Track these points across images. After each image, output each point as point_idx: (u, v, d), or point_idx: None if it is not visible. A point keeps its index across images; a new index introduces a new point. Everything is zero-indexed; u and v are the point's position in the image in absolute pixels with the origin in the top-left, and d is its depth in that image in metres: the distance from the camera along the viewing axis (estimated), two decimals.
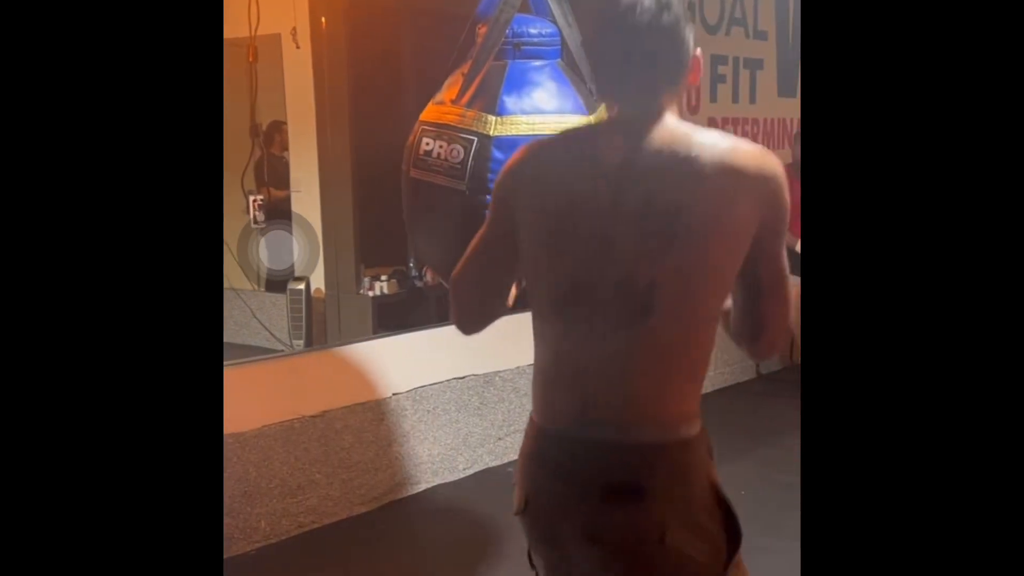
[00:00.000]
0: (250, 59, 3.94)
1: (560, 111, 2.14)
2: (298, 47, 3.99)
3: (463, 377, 3.79)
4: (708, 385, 5.03)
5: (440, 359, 3.73)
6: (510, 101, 2.13)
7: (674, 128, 1.36)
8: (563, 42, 2.23)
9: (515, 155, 1.47)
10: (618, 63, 1.38)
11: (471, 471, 3.85)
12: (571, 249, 1.37)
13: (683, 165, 1.32)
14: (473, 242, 1.50)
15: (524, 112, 2.13)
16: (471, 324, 1.54)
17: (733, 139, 1.35)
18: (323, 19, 3.96)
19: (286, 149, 4.55)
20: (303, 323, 4.12)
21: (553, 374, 1.40)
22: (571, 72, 2.22)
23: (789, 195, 1.35)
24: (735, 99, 4.99)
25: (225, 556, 3.13)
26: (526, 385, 4.14)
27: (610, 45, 1.38)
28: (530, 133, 2.06)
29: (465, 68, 2.21)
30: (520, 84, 2.16)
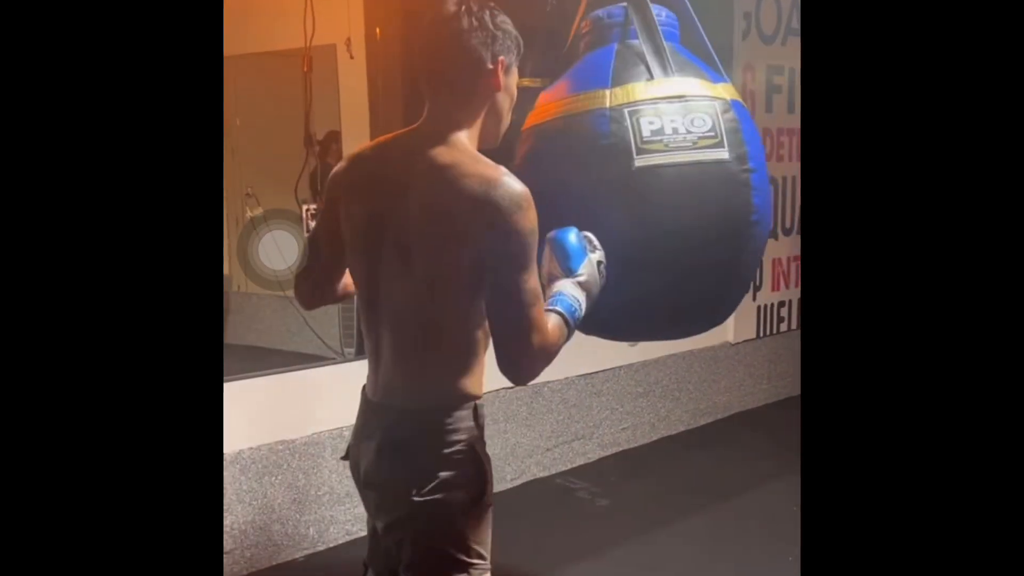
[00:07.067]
0: (305, 69, 3.98)
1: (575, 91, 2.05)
2: (352, 57, 4.02)
3: (511, 387, 3.79)
4: (757, 399, 4.97)
5: (489, 368, 3.72)
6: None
7: (452, 151, 1.52)
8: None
9: (340, 163, 1.72)
10: (420, 76, 1.58)
11: (519, 482, 3.85)
12: (367, 253, 1.60)
13: (435, 185, 1.50)
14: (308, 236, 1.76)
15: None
16: (302, 304, 1.85)
17: (489, 169, 1.49)
18: (377, 30, 3.99)
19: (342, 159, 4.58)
20: (354, 331, 4.15)
21: (370, 357, 1.68)
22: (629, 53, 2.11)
23: (526, 227, 1.46)
24: (790, 109, 4.93)
25: (273, 563, 3.16)
26: (575, 396, 4.13)
27: (417, 57, 1.58)
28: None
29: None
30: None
